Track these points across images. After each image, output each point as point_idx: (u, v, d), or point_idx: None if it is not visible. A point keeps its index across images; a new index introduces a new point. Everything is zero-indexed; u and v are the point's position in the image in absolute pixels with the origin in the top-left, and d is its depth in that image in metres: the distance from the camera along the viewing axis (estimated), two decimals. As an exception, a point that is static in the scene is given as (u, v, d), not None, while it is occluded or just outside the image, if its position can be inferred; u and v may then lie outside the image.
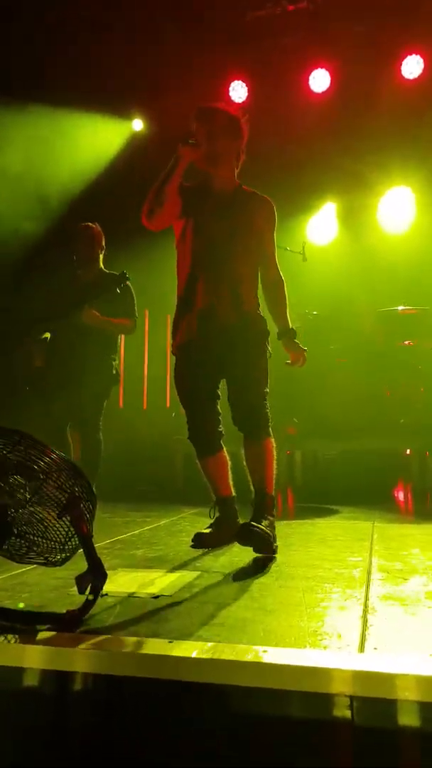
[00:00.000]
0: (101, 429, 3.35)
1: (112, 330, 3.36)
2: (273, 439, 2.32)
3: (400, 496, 4.46)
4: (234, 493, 2.46)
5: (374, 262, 5.69)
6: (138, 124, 5.97)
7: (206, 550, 2.31)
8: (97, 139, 5.43)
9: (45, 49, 4.85)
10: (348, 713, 1.09)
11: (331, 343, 5.18)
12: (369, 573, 1.94)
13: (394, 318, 5.14)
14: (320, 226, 6.26)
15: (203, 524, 2.92)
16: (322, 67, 5.60)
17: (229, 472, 2.43)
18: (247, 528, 2.09)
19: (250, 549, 2.12)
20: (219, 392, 2.40)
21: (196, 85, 5.65)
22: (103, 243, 3.49)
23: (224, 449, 2.42)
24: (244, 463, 2.32)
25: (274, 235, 2.44)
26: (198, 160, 2.28)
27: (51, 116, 4.79)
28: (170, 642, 1.27)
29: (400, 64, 5.40)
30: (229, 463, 2.43)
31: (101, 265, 3.47)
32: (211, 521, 2.43)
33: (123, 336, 3.87)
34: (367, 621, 1.46)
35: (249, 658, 1.18)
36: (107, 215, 5.20)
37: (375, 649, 1.28)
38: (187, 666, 1.19)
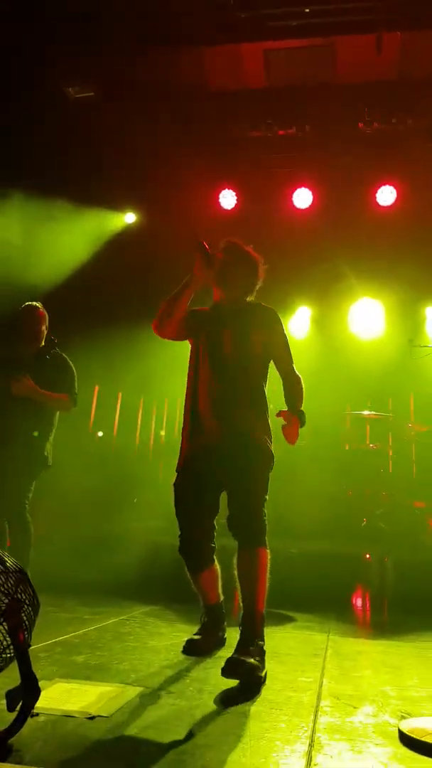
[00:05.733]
0: (29, 511, 3.15)
1: (46, 403, 3.23)
2: (268, 551, 2.14)
3: (358, 603, 4.35)
4: (222, 597, 2.41)
5: (344, 365, 5.93)
6: (130, 217, 6.30)
7: (151, 661, 2.19)
8: (90, 228, 5.70)
9: (43, 144, 5.16)
10: None
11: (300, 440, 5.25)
12: (319, 697, 1.86)
13: (360, 421, 5.29)
14: (295, 328, 6.56)
15: (153, 627, 2.81)
16: (305, 187, 6.10)
17: (219, 580, 2.36)
18: (233, 663, 1.89)
19: (200, 663, 2.05)
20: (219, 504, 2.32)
21: (188, 188, 6.06)
22: (47, 323, 3.44)
23: (215, 562, 2.36)
24: (235, 572, 2.14)
25: (285, 335, 2.46)
26: (211, 278, 2.39)
27: (46, 206, 5.04)
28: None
29: (376, 192, 5.95)
30: (219, 571, 2.37)
31: (43, 343, 3.42)
32: (199, 626, 2.39)
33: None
34: (312, 760, 1.39)
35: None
36: (98, 299, 5.36)
37: (316, 797, 1.21)
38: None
